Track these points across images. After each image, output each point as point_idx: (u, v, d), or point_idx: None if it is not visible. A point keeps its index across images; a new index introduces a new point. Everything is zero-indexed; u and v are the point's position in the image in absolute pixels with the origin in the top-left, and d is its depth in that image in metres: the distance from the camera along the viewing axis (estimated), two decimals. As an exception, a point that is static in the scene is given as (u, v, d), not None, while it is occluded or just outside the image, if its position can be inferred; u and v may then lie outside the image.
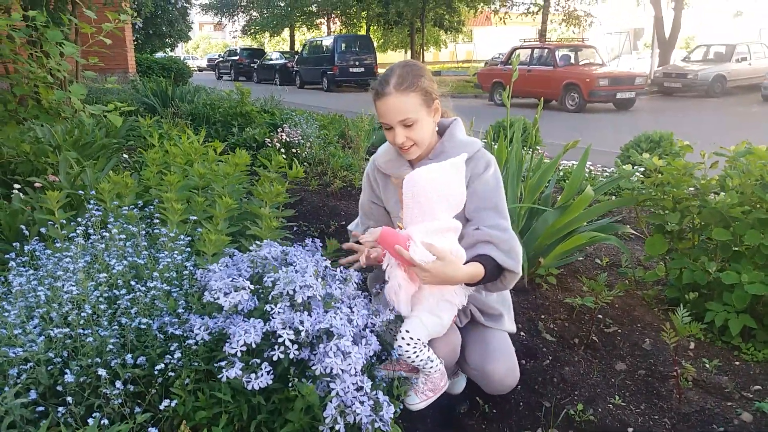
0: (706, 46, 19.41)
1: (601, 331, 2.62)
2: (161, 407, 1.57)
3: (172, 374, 1.69)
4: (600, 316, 2.75)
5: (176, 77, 14.88)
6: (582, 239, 2.85)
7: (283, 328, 1.56)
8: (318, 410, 1.56)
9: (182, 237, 2.11)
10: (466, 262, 1.82)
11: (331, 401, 1.52)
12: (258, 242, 2.00)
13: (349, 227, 2.28)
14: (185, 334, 1.76)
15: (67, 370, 1.67)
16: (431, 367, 1.82)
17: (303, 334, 1.57)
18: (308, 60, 23.54)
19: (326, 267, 1.89)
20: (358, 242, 1.95)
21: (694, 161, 2.81)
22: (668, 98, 17.68)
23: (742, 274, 2.42)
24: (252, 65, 28.51)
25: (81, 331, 1.74)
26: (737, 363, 2.40)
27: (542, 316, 2.72)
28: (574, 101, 14.25)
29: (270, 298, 1.68)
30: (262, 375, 1.53)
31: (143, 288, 1.85)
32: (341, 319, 1.62)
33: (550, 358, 2.37)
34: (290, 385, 1.58)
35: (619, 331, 2.63)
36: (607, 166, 6.01)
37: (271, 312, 1.64)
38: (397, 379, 1.78)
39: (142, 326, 1.78)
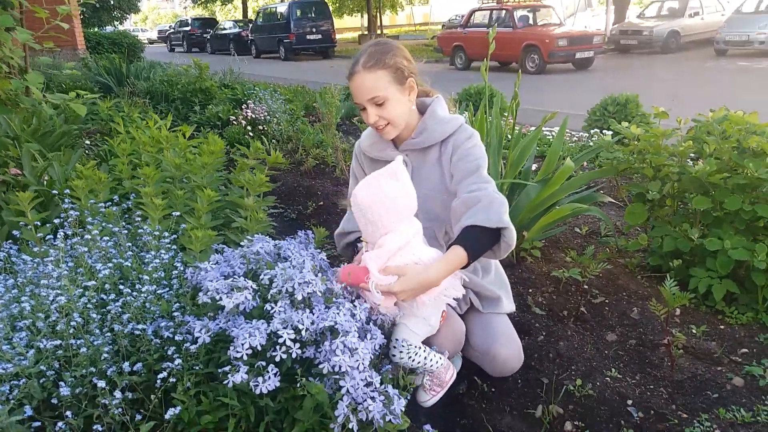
0: (659, 2, 19.57)
1: (588, 302, 2.65)
2: (167, 416, 1.53)
3: (173, 379, 1.64)
4: (585, 286, 2.78)
5: (128, 52, 14.37)
6: (564, 211, 2.86)
7: (284, 328, 1.52)
8: (328, 409, 1.54)
9: (166, 234, 2.04)
10: (455, 239, 1.80)
11: (342, 399, 1.49)
12: (249, 237, 1.94)
13: (339, 230, 2.21)
14: (183, 338, 1.71)
15: (62, 383, 1.61)
16: (432, 365, 1.82)
17: (305, 333, 1.53)
18: (263, 28, 22.97)
19: (322, 260, 1.85)
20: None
21: (670, 126, 2.84)
22: (625, 55, 17.85)
23: (724, 240, 2.46)
24: (205, 36, 27.70)
25: (73, 341, 1.67)
26: (722, 327, 2.46)
27: (530, 290, 2.74)
28: (534, 63, 14.27)
29: (269, 296, 1.64)
30: (269, 378, 1.50)
31: (133, 291, 1.78)
32: (344, 315, 1.59)
33: (544, 333, 2.40)
34: (298, 384, 1.55)
35: (606, 301, 2.66)
36: (575, 130, 6.05)
37: (272, 311, 1.60)
38: (403, 369, 1.77)
39: (137, 331, 1.72)
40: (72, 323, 1.70)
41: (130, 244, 2.01)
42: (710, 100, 8.42)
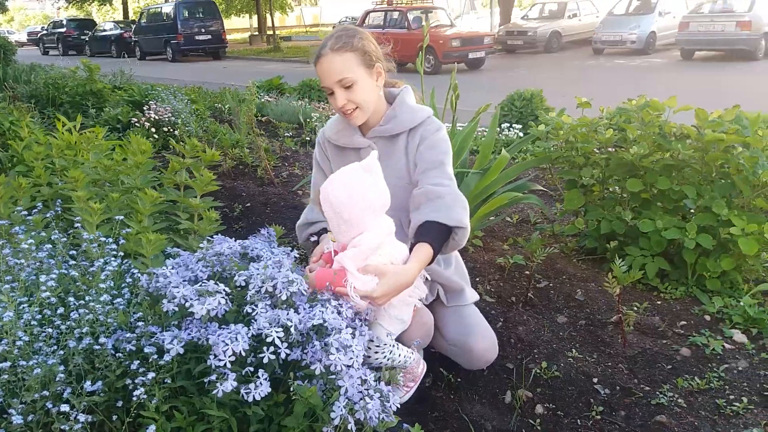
0: (541, 4, 20.64)
1: (534, 287, 2.72)
2: (146, 436, 1.38)
3: (143, 396, 1.49)
4: (527, 272, 2.85)
5: (-3, 55, 13.22)
6: (502, 200, 2.91)
7: (270, 327, 1.43)
8: (321, 412, 1.46)
9: (110, 240, 1.86)
10: (414, 236, 1.79)
11: (338, 400, 1.42)
12: (202, 238, 1.81)
13: (301, 221, 2.12)
14: (144, 350, 1.56)
15: (11, 410, 1.43)
16: (406, 361, 1.78)
17: (293, 331, 1.44)
18: (148, 29, 21.93)
19: (294, 257, 1.76)
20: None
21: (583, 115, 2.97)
22: (512, 56, 18.67)
23: (656, 221, 2.60)
24: (83, 37, 26.00)
25: (23, 362, 1.48)
26: (659, 303, 2.60)
27: (477, 279, 2.77)
28: (429, 63, 14.59)
29: (248, 298, 1.53)
30: (260, 384, 1.40)
31: (85, 303, 1.61)
32: (332, 312, 1.52)
33: (502, 320, 2.42)
34: (290, 389, 1.46)
35: (551, 285, 2.74)
36: (482, 126, 6.22)
37: (253, 313, 1.50)
38: (384, 366, 1.72)
39: (97, 347, 1.56)
40: (18, 342, 1.51)
41: (74, 252, 1.82)
42: (593, 95, 8.95)
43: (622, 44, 16.77)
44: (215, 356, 1.40)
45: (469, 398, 2.08)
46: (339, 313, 1.56)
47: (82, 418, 1.42)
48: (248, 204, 3.73)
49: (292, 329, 1.43)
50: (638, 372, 2.12)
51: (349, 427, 1.42)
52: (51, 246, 1.89)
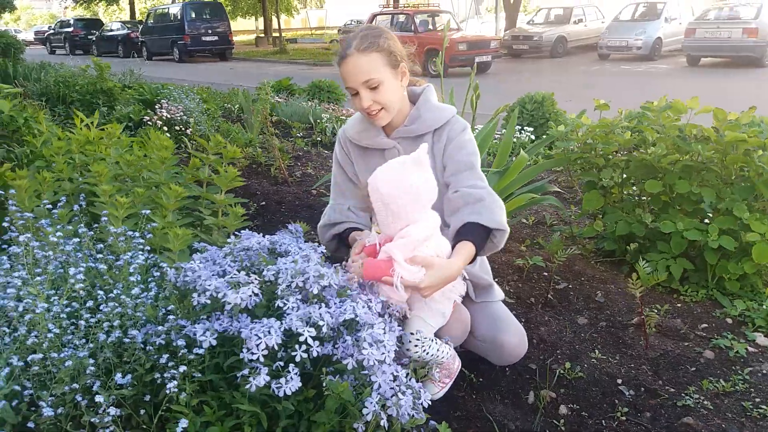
0: (546, 9, 20.66)
1: (553, 289, 2.71)
2: (179, 430, 1.38)
3: (175, 389, 1.48)
4: (545, 273, 2.84)
5: (4, 53, 13.27)
6: (521, 201, 2.90)
7: (304, 325, 1.42)
8: (352, 408, 1.46)
9: (136, 234, 1.86)
10: (455, 236, 1.79)
11: (371, 396, 1.41)
12: (236, 233, 1.80)
13: (323, 222, 2.10)
14: (177, 343, 1.55)
15: (42, 402, 1.42)
16: (443, 356, 1.78)
17: (325, 328, 1.44)
18: (155, 29, 21.99)
19: (322, 253, 1.75)
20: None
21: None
22: (518, 60, 18.68)
23: (677, 222, 2.59)
24: (90, 37, 26.08)
25: (54, 354, 1.47)
26: (679, 305, 2.59)
27: (496, 279, 2.75)
28: (435, 67, 14.56)
29: (279, 292, 1.52)
30: (291, 379, 1.39)
31: (116, 297, 1.60)
32: (363, 307, 1.51)
33: (523, 320, 2.41)
34: (320, 384, 1.45)
35: (569, 286, 2.73)
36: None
37: (284, 308, 1.49)
38: (421, 361, 1.73)
39: (126, 340, 1.55)
40: (49, 335, 1.51)
41: (101, 245, 1.81)
42: (604, 100, 8.97)
43: (627, 50, 16.78)
44: (248, 350, 1.40)
45: (491, 398, 2.07)
46: (369, 308, 1.55)
47: (112, 411, 1.42)
48: (263, 203, 3.72)
49: (324, 328, 1.42)
50: (662, 374, 2.11)
51: (381, 423, 1.42)
52: (77, 240, 1.89)
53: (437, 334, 1.81)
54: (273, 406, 1.49)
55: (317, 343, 1.44)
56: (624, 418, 1.91)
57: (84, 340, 1.58)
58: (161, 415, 1.58)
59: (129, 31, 24.36)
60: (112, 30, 25.72)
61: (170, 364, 1.53)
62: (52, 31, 29.89)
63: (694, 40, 14.60)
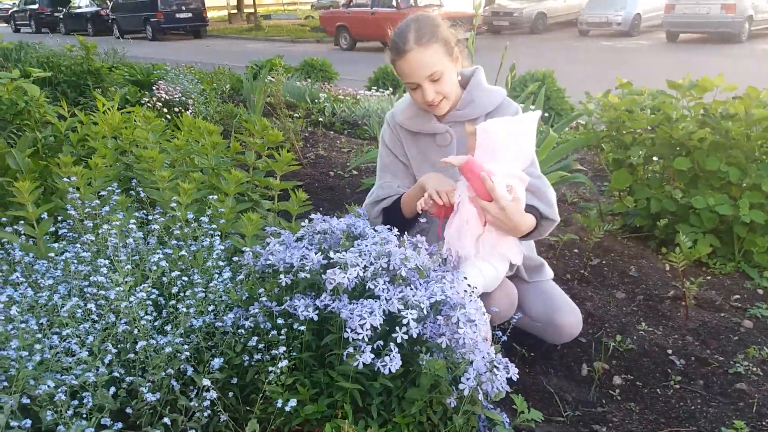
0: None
1: (586, 265, 2.78)
2: (287, 408, 1.41)
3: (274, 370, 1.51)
4: (576, 250, 2.91)
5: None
6: (552, 179, 2.95)
7: (405, 308, 1.46)
8: (445, 384, 1.50)
9: (204, 220, 1.87)
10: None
11: (467, 372, 1.46)
12: (311, 216, 1.82)
13: (371, 200, 2.12)
14: (262, 326, 1.58)
15: (142, 388, 1.45)
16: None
17: (425, 310, 1.48)
18: (126, 6, 21.43)
19: (396, 235, 1.78)
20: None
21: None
22: (498, 36, 18.67)
23: (707, 198, 2.68)
24: (57, 15, 25.30)
25: (153, 341, 1.49)
26: (710, 278, 2.69)
27: (530, 257, 2.82)
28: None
29: (369, 275, 1.55)
30: (393, 357, 1.43)
31: (204, 283, 1.62)
32: (451, 288, 1.55)
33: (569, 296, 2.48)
34: (410, 362, 1.50)
35: (603, 262, 2.81)
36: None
37: (375, 289, 1.52)
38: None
39: (219, 324, 1.58)
40: (142, 323, 1.52)
41: (177, 230, 1.82)
42: (587, 76, 9.08)
43: (607, 26, 16.90)
44: (352, 329, 1.43)
45: (544, 372, 2.14)
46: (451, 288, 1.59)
47: (212, 395, 1.44)
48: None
49: (425, 309, 1.46)
50: (709, 343, 2.20)
51: (479, 397, 1.47)
52: (138, 226, 1.89)
53: (485, 303, 1.85)
54: (365, 385, 1.53)
55: (414, 324, 1.48)
56: (678, 386, 2.00)
57: (174, 327, 1.60)
58: (250, 397, 1.62)
59: (98, 8, 23.69)
60: (80, 7, 24.95)
61: (260, 346, 1.56)
62: (16, 8, 28.89)
63: (673, 16, 14.76)
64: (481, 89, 2.00)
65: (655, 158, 3.01)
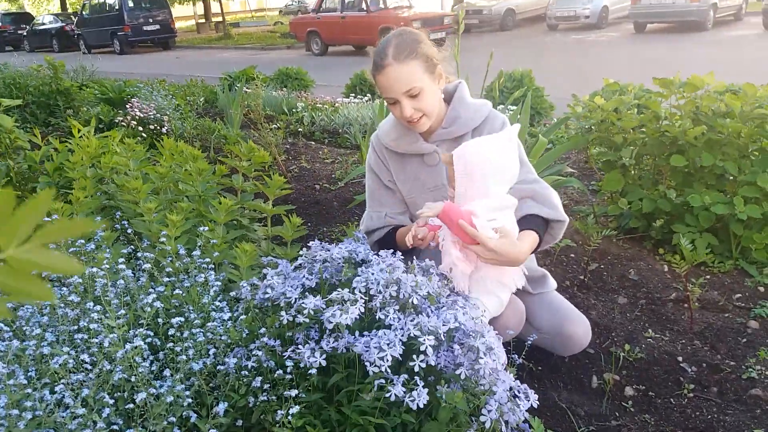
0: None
1: (585, 271, 2.74)
2: (301, 458, 1.34)
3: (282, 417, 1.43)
4: (572, 255, 2.87)
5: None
6: (543, 184, 2.91)
7: (422, 335, 1.39)
8: (464, 416, 1.44)
9: (198, 253, 1.78)
10: (524, 225, 1.79)
11: (488, 403, 1.40)
12: (310, 243, 1.74)
13: (362, 229, 2.07)
14: (264, 363, 1.51)
15: (144, 443, 1.36)
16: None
17: (443, 337, 1.41)
18: (92, 21, 21.06)
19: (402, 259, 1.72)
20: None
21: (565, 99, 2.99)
22: (468, 35, 18.67)
23: (703, 197, 2.65)
24: (20, 32, 24.81)
25: (152, 390, 1.40)
26: (709, 277, 2.66)
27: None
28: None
29: (378, 304, 1.48)
30: (420, 391, 1.36)
31: (201, 323, 1.54)
32: (464, 315, 1.49)
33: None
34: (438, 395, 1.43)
35: (601, 266, 2.77)
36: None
37: (385, 319, 1.45)
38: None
39: (221, 367, 1.49)
40: (140, 369, 1.43)
41: (168, 267, 1.73)
42: (560, 72, 9.11)
43: (575, 19, 17.01)
44: (371, 363, 1.36)
45: (554, 386, 2.09)
46: (465, 314, 1.53)
47: (219, 441, 1.37)
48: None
49: (442, 335, 1.40)
50: (719, 348, 2.16)
51: (502, 429, 1.41)
52: (125, 261, 1.79)
53: (495, 325, 1.80)
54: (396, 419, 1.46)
55: (432, 352, 1.41)
56: (692, 395, 1.96)
57: (170, 371, 1.51)
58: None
59: (63, 24, 23.27)
60: (44, 23, 24.49)
61: (265, 387, 1.49)
62: (-25, 27, 28.29)
63: (639, 7, 14.90)
64: (466, 104, 1.95)
65: (647, 156, 2.99)
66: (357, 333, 1.45)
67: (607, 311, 2.41)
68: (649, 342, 2.20)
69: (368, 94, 6.66)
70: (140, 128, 5.38)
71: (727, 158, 2.67)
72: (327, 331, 1.46)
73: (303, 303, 1.48)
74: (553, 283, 2.12)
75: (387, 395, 1.33)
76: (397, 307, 1.49)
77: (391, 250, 1.70)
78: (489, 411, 1.39)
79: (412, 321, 1.41)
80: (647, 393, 2.00)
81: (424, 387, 1.41)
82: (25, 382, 1.42)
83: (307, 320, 1.48)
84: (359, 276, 1.55)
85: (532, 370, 2.14)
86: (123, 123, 5.43)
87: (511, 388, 1.45)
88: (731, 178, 2.65)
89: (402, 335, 1.39)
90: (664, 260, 2.78)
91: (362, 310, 1.44)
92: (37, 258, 0.37)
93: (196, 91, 7.74)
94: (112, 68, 14.02)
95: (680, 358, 2.11)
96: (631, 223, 2.93)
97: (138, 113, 5.54)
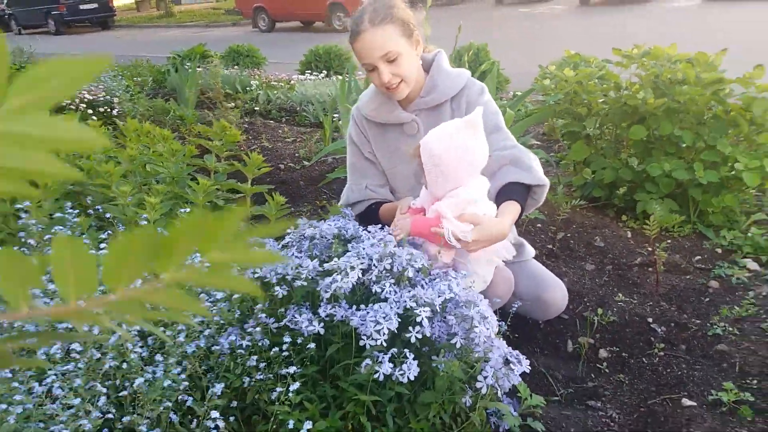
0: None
1: (553, 240, 2.82)
2: (302, 430, 1.35)
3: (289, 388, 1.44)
4: (539, 225, 2.95)
5: None
6: (510, 157, 2.97)
7: (418, 306, 1.42)
8: (459, 384, 1.48)
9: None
10: (497, 198, 1.82)
11: (484, 370, 1.44)
12: (297, 221, 1.74)
13: (342, 202, 2.08)
14: (259, 342, 1.51)
15: (141, 427, 1.35)
16: None
17: (438, 309, 1.44)
18: (24, 0, 20.05)
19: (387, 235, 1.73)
20: None
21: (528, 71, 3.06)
22: (413, 10, 18.60)
23: (663, 164, 2.75)
24: (-56, 12, 23.41)
25: (149, 376, 1.39)
26: (670, 241, 2.78)
27: (498, 237, 2.83)
28: (341, 21, 14.31)
29: (374, 277, 1.50)
30: (410, 364, 1.39)
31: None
32: (459, 286, 1.52)
33: (544, 273, 2.50)
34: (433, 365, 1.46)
35: (568, 235, 2.85)
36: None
37: (381, 293, 1.47)
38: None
39: (216, 347, 1.49)
40: (132, 355, 1.42)
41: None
42: (511, 45, 9.21)
43: (521, -9, 17.15)
44: (367, 337, 1.37)
45: (531, 351, 2.15)
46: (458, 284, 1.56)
47: (220, 423, 1.38)
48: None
49: (437, 307, 1.42)
50: (684, 307, 2.27)
51: (498, 394, 1.46)
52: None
53: (484, 295, 1.85)
54: (377, 392, 1.48)
55: (428, 323, 1.44)
56: (662, 353, 2.06)
57: (164, 356, 1.50)
58: (252, 418, 1.55)
59: (-8, 3, 22.08)
60: (-30, 3, 23.18)
61: (261, 365, 1.49)
62: None
63: (584, -20, 15.14)
64: (444, 73, 1.97)
65: (609, 126, 3.07)
66: (353, 308, 1.46)
67: (577, 278, 2.49)
68: (620, 305, 2.29)
69: (324, 71, 6.59)
70: (89, 111, 5.20)
71: (684, 125, 2.77)
72: (323, 300, 1.46)
73: (300, 270, 1.48)
74: (531, 251, 2.18)
75: (375, 375, 1.35)
76: (392, 281, 1.51)
77: (380, 225, 1.72)
78: (485, 377, 1.43)
79: (408, 293, 1.43)
80: (621, 354, 2.09)
81: (414, 359, 1.45)
82: (10, 375, 1.39)
83: (305, 284, 1.48)
84: (350, 252, 1.56)
85: (509, 337, 2.19)
86: (72, 106, 5.23)
87: (504, 355, 1.50)
88: (684, 145, 2.75)
89: (398, 308, 1.41)
90: (627, 227, 2.88)
91: (360, 275, 1.45)
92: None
93: (143, 72, 7.50)
94: (50, 49, 13.43)
95: (650, 320, 2.21)
96: (595, 192, 3.03)
97: (87, 95, 5.35)
